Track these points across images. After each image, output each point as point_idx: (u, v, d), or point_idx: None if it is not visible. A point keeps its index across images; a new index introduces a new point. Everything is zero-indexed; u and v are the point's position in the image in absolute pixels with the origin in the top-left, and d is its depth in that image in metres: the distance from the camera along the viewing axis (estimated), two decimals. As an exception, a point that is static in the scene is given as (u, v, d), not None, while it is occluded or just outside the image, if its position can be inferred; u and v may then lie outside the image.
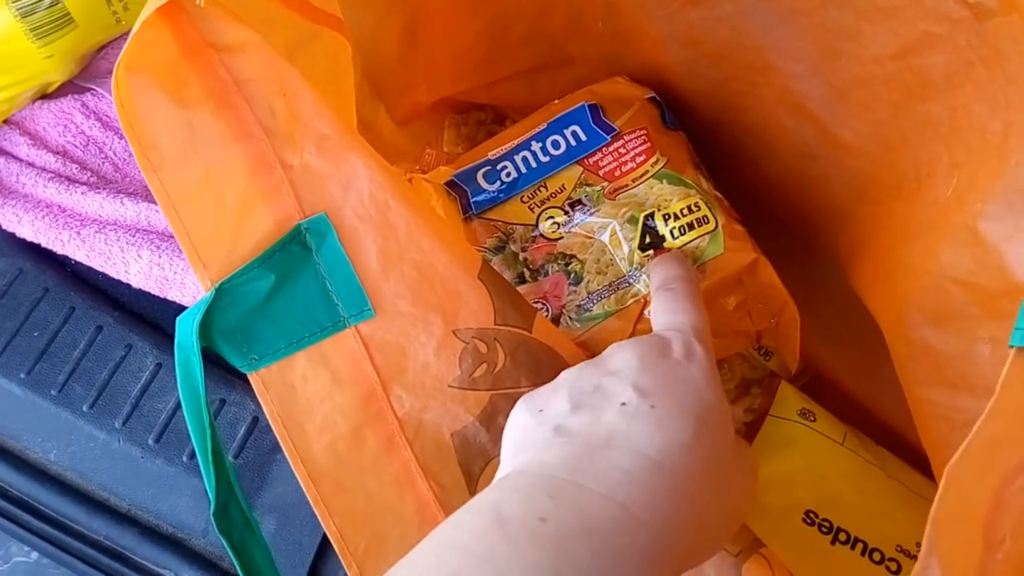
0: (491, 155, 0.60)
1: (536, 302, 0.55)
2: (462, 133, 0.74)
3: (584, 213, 0.56)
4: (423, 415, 0.45)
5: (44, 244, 0.77)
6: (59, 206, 0.77)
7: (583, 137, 0.59)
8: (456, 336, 0.46)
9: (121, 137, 0.82)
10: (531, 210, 0.58)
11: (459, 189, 0.59)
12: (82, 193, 0.77)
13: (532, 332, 0.47)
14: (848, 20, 0.48)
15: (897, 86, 0.48)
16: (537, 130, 0.60)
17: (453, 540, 0.34)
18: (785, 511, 0.53)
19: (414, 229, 0.45)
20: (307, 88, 0.43)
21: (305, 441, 0.44)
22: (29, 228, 0.76)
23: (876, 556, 0.52)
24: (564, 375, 0.44)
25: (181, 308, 0.71)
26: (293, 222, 0.43)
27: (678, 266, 0.51)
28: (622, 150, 0.58)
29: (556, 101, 0.62)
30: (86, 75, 0.85)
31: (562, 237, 0.57)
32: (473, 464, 0.46)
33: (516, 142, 0.60)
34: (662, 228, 0.55)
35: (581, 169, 0.58)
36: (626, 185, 0.57)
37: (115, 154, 0.82)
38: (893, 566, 0.52)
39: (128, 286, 0.75)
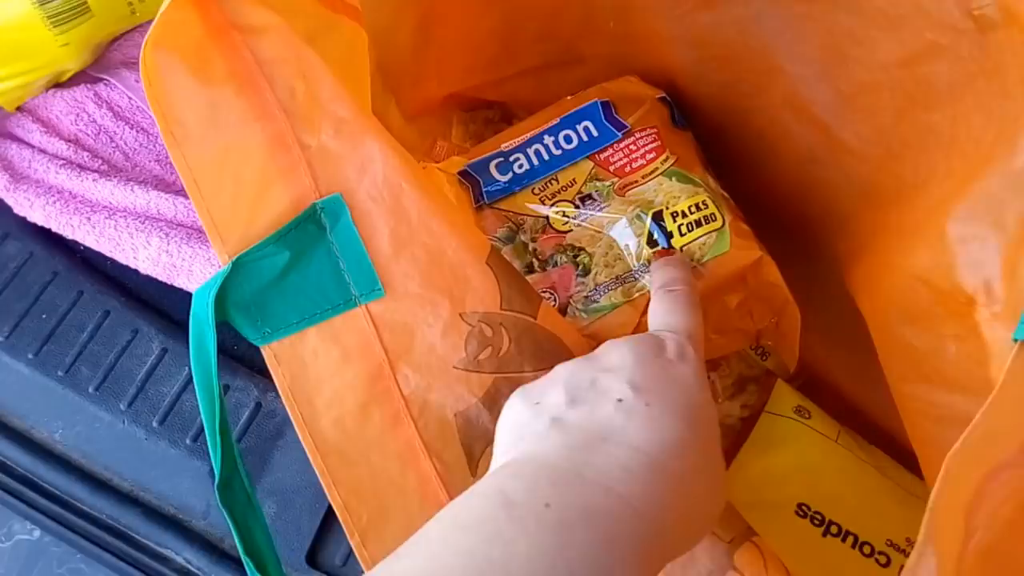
0: (504, 147, 0.61)
1: (544, 292, 0.57)
2: (470, 130, 0.76)
3: (594, 208, 0.58)
4: (428, 394, 0.47)
5: (55, 229, 0.78)
6: (70, 192, 0.78)
7: (595, 133, 0.61)
8: (463, 319, 0.47)
9: (132, 127, 0.84)
10: (542, 202, 0.59)
11: (471, 179, 0.60)
12: (93, 180, 0.78)
13: (537, 319, 0.49)
14: (856, 26, 0.50)
15: (901, 93, 0.49)
16: (550, 124, 0.62)
17: (461, 520, 0.35)
18: (778, 504, 0.55)
19: (425, 214, 0.46)
20: (326, 72, 0.44)
21: (314, 414, 0.46)
22: (40, 213, 0.77)
23: (867, 549, 0.53)
24: (559, 369, 0.45)
25: (188, 295, 0.72)
26: (309, 201, 0.45)
27: (680, 269, 0.53)
28: (632, 147, 0.60)
29: (569, 97, 0.64)
30: (99, 66, 0.86)
31: (571, 230, 0.58)
32: (475, 444, 0.47)
33: (529, 135, 0.61)
34: (670, 225, 0.56)
35: (592, 164, 0.60)
36: (636, 181, 0.59)
37: (126, 144, 0.83)
38: (883, 559, 0.53)
39: (136, 272, 0.76)
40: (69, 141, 0.82)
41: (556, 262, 0.57)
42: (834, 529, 0.54)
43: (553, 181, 0.60)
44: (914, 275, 0.46)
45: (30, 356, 0.74)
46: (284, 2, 0.43)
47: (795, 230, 0.63)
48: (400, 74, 0.66)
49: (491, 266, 0.48)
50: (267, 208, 0.44)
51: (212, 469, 0.44)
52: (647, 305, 0.55)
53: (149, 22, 0.42)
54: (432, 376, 0.47)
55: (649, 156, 0.59)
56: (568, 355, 0.49)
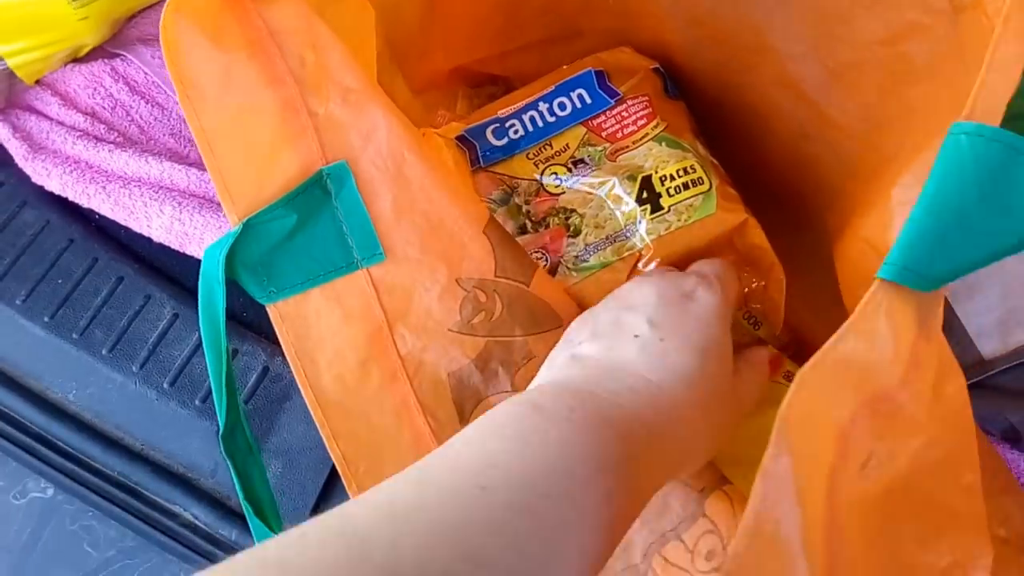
0: (500, 113, 0.64)
1: (535, 252, 0.59)
2: (474, 104, 0.78)
3: (585, 172, 0.60)
4: (424, 354, 0.49)
5: (71, 198, 0.80)
6: (86, 162, 0.81)
7: (588, 100, 0.63)
8: (459, 284, 0.50)
9: (148, 102, 0.86)
10: (536, 166, 0.62)
11: (468, 143, 0.63)
12: (109, 151, 0.80)
13: (530, 287, 0.51)
14: (843, 5, 0.52)
15: (885, 71, 0.51)
16: (545, 92, 0.64)
17: (496, 420, 0.39)
18: (759, 461, 0.57)
19: (426, 182, 0.49)
20: (336, 42, 0.47)
21: (316, 371, 0.48)
22: (57, 182, 0.80)
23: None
24: (591, 310, 0.49)
25: (199, 262, 0.74)
26: (316, 167, 0.47)
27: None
28: (624, 114, 0.63)
29: (564, 67, 0.66)
30: (116, 42, 0.88)
31: (564, 192, 0.61)
32: (466, 403, 0.50)
33: (525, 102, 0.64)
34: (658, 187, 0.59)
35: (585, 130, 0.62)
36: (626, 147, 0.61)
37: (141, 117, 0.86)
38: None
39: (149, 240, 0.79)
40: (86, 114, 0.84)
41: (548, 224, 0.60)
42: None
43: (547, 146, 0.62)
44: (863, 238, 0.48)
45: (46, 319, 0.77)
46: (292, -25, 0.46)
47: (787, 203, 0.65)
48: (407, 47, 0.69)
49: (488, 235, 0.50)
50: (277, 172, 0.47)
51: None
52: (635, 264, 0.57)
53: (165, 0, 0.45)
54: (428, 337, 0.49)
55: (640, 123, 0.62)
56: (559, 321, 0.52)
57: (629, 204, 0.59)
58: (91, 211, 0.80)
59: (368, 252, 0.48)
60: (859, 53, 0.53)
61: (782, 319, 0.62)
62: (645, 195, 0.59)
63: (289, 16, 0.46)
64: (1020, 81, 0.34)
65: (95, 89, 0.85)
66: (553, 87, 0.65)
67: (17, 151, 0.80)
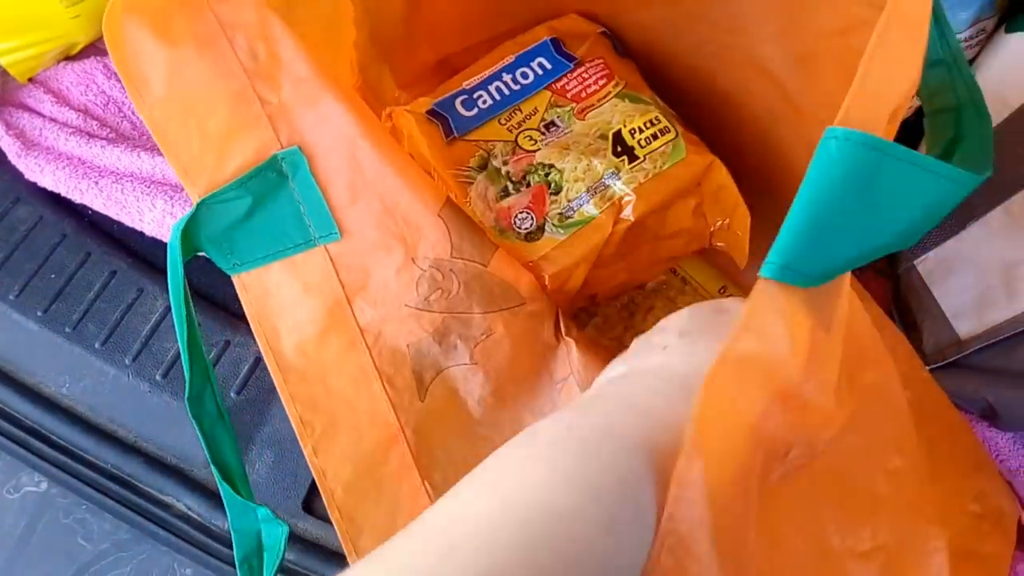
0: (466, 85, 0.71)
1: (521, 214, 0.64)
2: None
3: (558, 134, 0.67)
4: (383, 326, 0.56)
5: (64, 193, 0.85)
6: (79, 158, 0.85)
7: (548, 66, 0.71)
8: (415, 263, 0.55)
9: (141, 97, 0.90)
10: (509, 131, 0.68)
11: (440, 116, 0.69)
12: (101, 147, 0.85)
13: (488, 267, 0.57)
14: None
15: (839, 62, 0.57)
16: (505, 63, 0.72)
17: (580, 402, 0.44)
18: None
19: (380, 167, 0.55)
20: (288, 34, 0.52)
21: (277, 339, 0.55)
22: (50, 178, 0.84)
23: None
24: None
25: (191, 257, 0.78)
26: (271, 151, 0.53)
27: None
28: (585, 75, 0.70)
29: (519, 36, 0.73)
30: (109, 38, 0.92)
31: (540, 148, 0.67)
32: (425, 373, 0.56)
33: (487, 73, 0.71)
34: (629, 140, 0.66)
35: (550, 94, 0.70)
36: (592, 105, 0.69)
37: (133, 113, 0.90)
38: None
39: (141, 234, 0.83)
40: (79, 111, 0.89)
41: (529, 183, 0.66)
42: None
43: (517, 111, 0.69)
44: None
45: (39, 314, 0.82)
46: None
47: (761, 190, 0.68)
48: (393, 42, 0.73)
49: (443, 218, 0.56)
50: (232, 157, 0.53)
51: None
52: (619, 212, 0.64)
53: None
54: (386, 310, 0.56)
55: (600, 82, 0.70)
56: (520, 299, 0.55)
57: (606, 156, 0.65)
58: (84, 206, 0.85)
59: (325, 231, 0.54)
60: (818, 42, 0.59)
61: (747, 255, 0.66)
62: (619, 149, 0.66)
63: (240, 9, 0.51)
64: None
65: (87, 86, 0.90)
66: (514, 57, 0.72)
67: (10, 148, 0.85)
